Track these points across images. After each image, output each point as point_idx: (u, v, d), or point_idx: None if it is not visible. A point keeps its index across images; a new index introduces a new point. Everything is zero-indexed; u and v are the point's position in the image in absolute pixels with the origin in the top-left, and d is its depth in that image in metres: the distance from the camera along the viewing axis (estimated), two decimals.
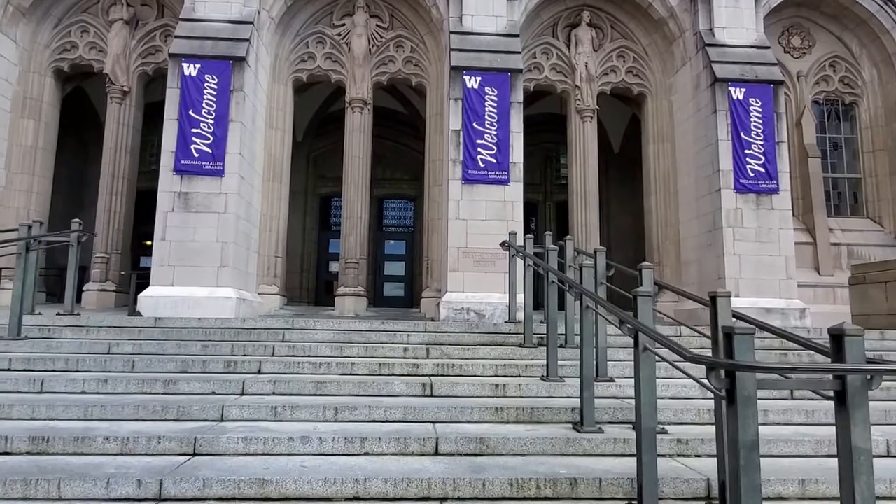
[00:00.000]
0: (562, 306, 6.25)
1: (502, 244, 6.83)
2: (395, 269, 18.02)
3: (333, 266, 16.68)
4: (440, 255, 12.63)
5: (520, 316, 9.89)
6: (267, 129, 13.17)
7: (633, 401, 4.32)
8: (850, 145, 14.77)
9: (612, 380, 5.74)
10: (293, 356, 5.26)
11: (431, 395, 4.40)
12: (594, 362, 4.35)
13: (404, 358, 5.35)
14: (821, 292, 13.35)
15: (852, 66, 14.73)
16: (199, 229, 10.84)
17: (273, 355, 5.24)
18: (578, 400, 4.31)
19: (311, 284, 16.87)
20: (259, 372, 4.71)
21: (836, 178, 14.62)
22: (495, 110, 11.58)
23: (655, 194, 13.99)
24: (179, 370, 4.72)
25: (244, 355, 5.20)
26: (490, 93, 11.62)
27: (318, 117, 17.08)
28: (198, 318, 6.38)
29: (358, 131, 13.55)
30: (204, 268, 10.73)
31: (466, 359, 5.38)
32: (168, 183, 10.95)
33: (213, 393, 4.27)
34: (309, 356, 5.29)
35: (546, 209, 18.35)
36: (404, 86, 15.15)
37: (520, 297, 10.68)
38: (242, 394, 4.21)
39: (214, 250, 10.80)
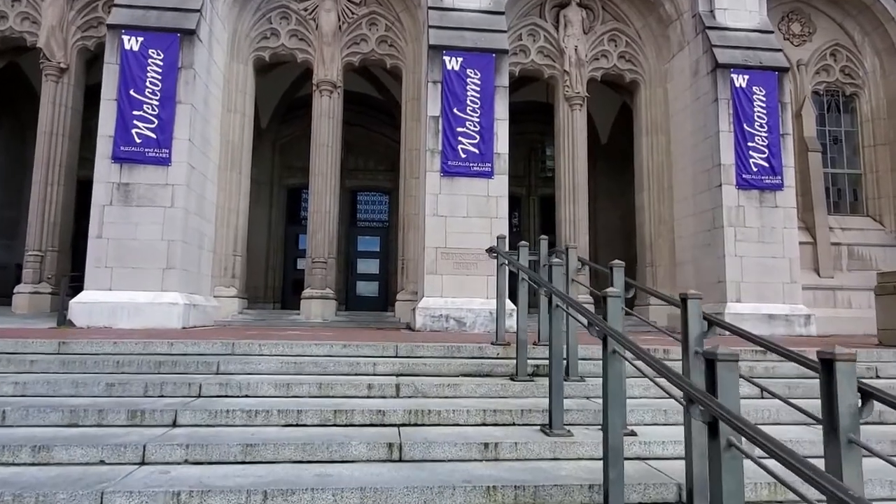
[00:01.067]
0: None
1: (490, 251, 5.71)
2: (369, 266, 16.83)
3: (302, 263, 15.42)
4: (416, 255, 11.49)
5: (510, 325, 8.88)
6: (224, 112, 11.83)
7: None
8: (850, 139, 13.99)
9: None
10: (225, 397, 4.07)
11: (400, 460, 3.29)
12: (624, 413, 3.32)
13: (368, 397, 4.24)
14: (821, 295, 12.54)
15: (854, 55, 13.92)
16: (141, 226, 9.52)
17: (199, 396, 4.06)
18: (594, 464, 3.27)
19: (277, 284, 15.60)
20: (173, 425, 3.54)
21: (836, 173, 13.83)
22: (478, 95, 10.44)
23: (648, 190, 13.03)
24: (67, 422, 3.51)
25: (160, 396, 4.03)
26: (473, 75, 10.47)
27: (284, 102, 15.73)
28: (113, 343, 5.12)
29: (326, 117, 12.28)
30: (147, 269, 9.43)
31: (446, 397, 4.29)
32: (105, 172, 9.58)
33: (101, 462, 3.06)
34: (246, 397, 4.10)
35: (530, 204, 17.33)
36: (378, 68, 13.90)
37: (509, 315, 9.65)
38: (142, 463, 3.04)
39: (159, 250, 9.50)
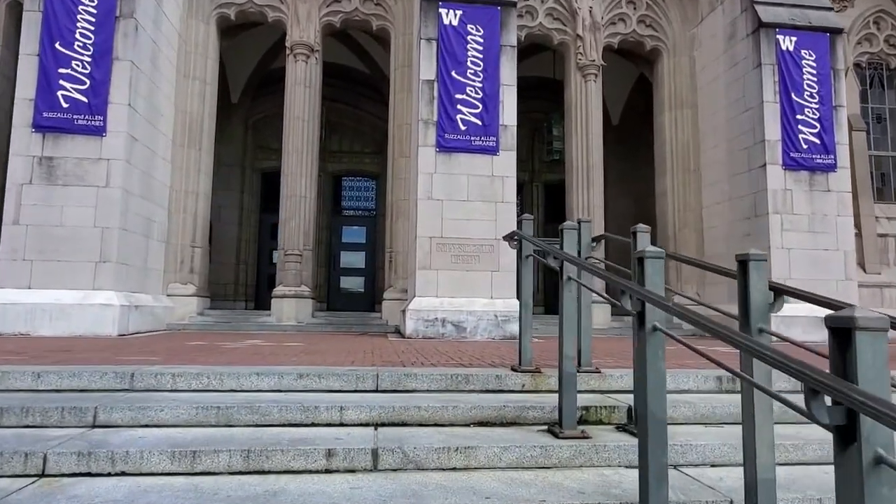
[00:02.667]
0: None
1: (510, 237, 4.03)
2: (354, 260, 15.11)
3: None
4: (407, 247, 9.81)
5: (514, 332, 7.25)
6: (180, 78, 10.04)
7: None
8: (895, 118, 12.44)
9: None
10: (82, 476, 2.46)
11: None
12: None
13: (327, 472, 2.61)
14: (867, 293, 10.98)
15: None
16: (68, 209, 7.76)
17: (42, 475, 2.44)
18: None
19: (249, 280, 13.86)
20: None
21: (880, 156, 12.28)
22: (481, 55, 8.73)
23: (672, 173, 11.41)
24: None
25: None
26: (474, 32, 8.76)
27: (258, 74, 13.94)
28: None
29: (302, 86, 10.53)
30: (75, 263, 7.68)
31: (455, 469, 2.67)
32: (24, 144, 7.81)
33: None
34: (121, 475, 2.49)
35: (533, 191, 15.66)
36: (363, 33, 12.13)
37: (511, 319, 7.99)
38: None
39: (91, 238, 7.75)
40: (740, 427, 2.20)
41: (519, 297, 4.19)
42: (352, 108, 14.83)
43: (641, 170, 14.99)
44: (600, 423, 3.35)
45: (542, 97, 14.59)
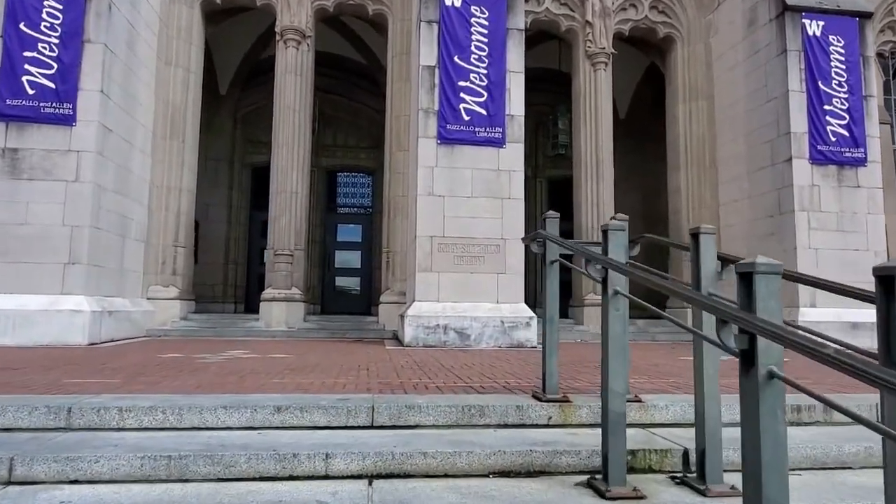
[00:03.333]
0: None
1: (532, 238, 3.35)
2: (350, 259, 14.43)
3: None
4: (405, 247, 9.17)
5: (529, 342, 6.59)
6: (161, 65, 9.35)
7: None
8: None
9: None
10: None
11: None
12: None
13: None
14: None
15: None
16: (34, 205, 7.08)
17: None
18: None
19: (239, 281, 13.17)
20: None
21: None
22: (485, 40, 8.06)
23: (686, 168, 10.76)
24: None
25: None
26: (478, 14, 8.09)
27: (248, 63, 13.24)
28: None
29: (293, 73, 9.84)
30: (42, 265, 7.00)
31: None
32: None
33: None
34: None
35: (536, 187, 14.97)
36: (358, 20, 11.43)
37: (525, 325, 7.29)
38: None
39: (59, 238, 7.06)
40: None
41: (543, 309, 3.51)
42: (347, 100, 14.13)
43: (650, 165, 14.35)
44: (650, 470, 2.69)
45: (547, 89, 13.89)
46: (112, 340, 7.47)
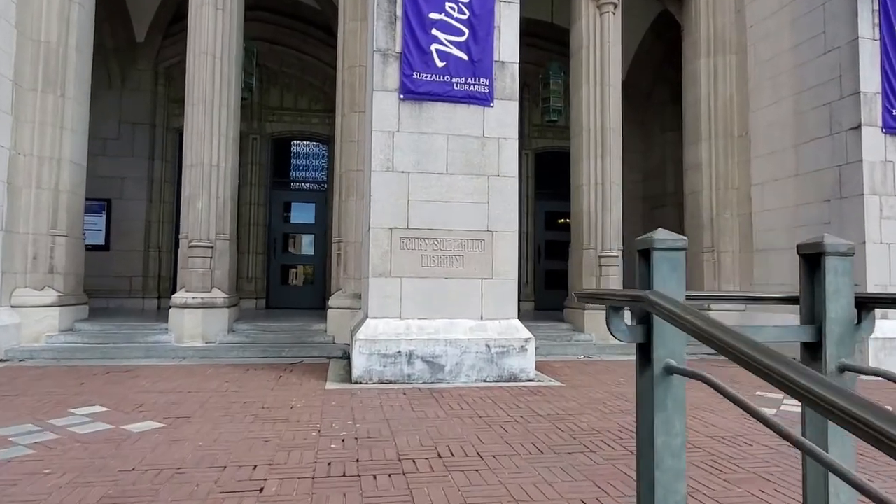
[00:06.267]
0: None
1: (635, 300, 1.26)
2: (303, 245, 12.21)
3: None
4: (361, 236, 7.06)
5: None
6: None
7: None
8: None
9: None
10: None
11: None
12: None
13: None
14: None
15: None
16: None
17: None
18: None
19: (164, 271, 10.81)
20: None
21: None
22: None
23: (709, 139, 8.78)
24: None
25: None
26: None
27: (170, 3, 10.68)
28: None
29: (212, 7, 7.47)
30: None
31: None
32: None
33: None
34: None
35: (522, 160, 12.89)
36: None
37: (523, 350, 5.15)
38: None
39: None
40: None
41: (646, 466, 1.42)
42: (296, 53, 11.72)
43: (654, 137, 12.38)
44: None
45: (537, 45, 11.72)
46: None
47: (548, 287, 12.17)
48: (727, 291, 8.44)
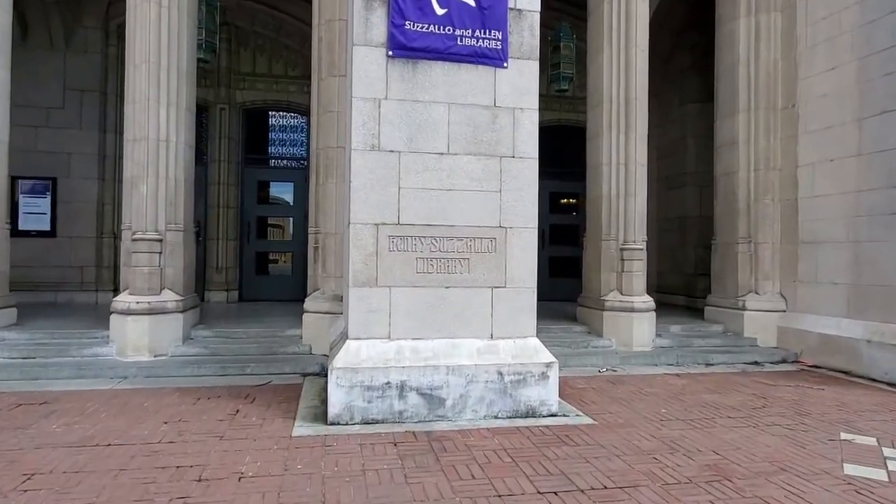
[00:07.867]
0: None
1: None
2: (279, 231, 10.94)
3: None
4: (342, 227, 5.84)
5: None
6: None
7: None
8: None
9: None
10: None
11: None
12: None
13: None
14: None
15: None
16: None
17: None
18: None
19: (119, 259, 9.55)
20: None
21: None
22: None
23: (748, 112, 7.57)
24: None
25: None
26: None
27: None
28: None
29: None
30: None
31: None
32: None
33: None
34: None
35: None
36: None
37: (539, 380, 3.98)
38: None
39: None
40: None
41: None
42: (270, 10, 10.26)
43: (672, 109, 11.15)
44: None
45: (545, 3, 10.30)
46: None
47: (552, 275, 11.01)
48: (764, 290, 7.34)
